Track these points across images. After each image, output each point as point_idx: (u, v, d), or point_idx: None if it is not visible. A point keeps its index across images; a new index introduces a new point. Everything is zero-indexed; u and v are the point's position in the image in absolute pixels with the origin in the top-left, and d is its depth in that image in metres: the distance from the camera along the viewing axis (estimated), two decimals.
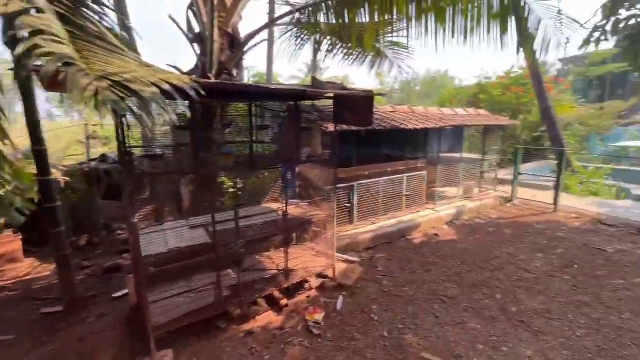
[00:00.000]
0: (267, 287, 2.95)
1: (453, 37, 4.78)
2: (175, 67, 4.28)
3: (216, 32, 3.90)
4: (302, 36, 6.53)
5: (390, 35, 7.21)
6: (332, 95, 3.09)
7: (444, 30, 4.75)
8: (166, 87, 1.74)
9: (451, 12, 4.62)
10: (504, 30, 4.41)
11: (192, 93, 1.81)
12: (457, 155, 6.50)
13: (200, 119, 3.49)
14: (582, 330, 2.66)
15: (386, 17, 5.20)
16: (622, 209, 5.83)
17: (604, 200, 6.41)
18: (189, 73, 4.30)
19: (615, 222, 5.14)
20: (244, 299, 2.80)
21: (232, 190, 4.37)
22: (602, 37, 4.96)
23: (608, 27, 4.80)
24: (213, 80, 3.61)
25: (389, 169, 5.03)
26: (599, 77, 15.88)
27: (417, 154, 5.71)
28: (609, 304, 3.04)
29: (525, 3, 4.36)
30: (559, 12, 4.26)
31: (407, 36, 5.06)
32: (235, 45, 4.31)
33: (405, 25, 4.98)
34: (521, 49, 4.75)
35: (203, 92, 1.86)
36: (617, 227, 5.02)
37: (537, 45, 4.68)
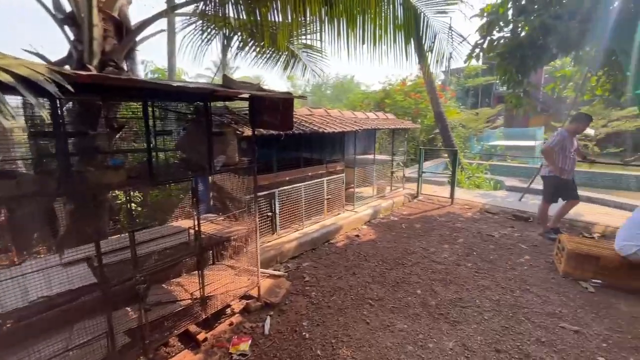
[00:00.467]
0: (180, 323, 2.48)
1: (364, 43, 4.92)
2: (37, 54, 3.33)
3: (96, 13, 3.15)
4: (209, 30, 5.95)
5: (304, 37, 7.14)
6: (247, 96, 2.79)
7: (355, 35, 4.86)
8: (5, 77, 1.22)
9: (361, 19, 4.74)
10: (407, 41, 4.73)
11: (52, 88, 1.31)
12: (371, 156, 6.83)
13: (77, 121, 2.75)
14: (488, 313, 2.97)
15: (300, 19, 5.07)
16: (499, 198, 6.98)
17: (486, 192, 7.61)
18: (60, 63, 3.40)
19: (497, 210, 6.09)
20: (149, 342, 2.28)
21: (128, 208, 3.61)
22: (481, 53, 5.84)
23: (485, 45, 5.66)
24: (94, 72, 2.89)
25: (310, 173, 4.94)
26: (473, 88, 19.09)
27: (335, 157, 5.77)
28: (503, 285, 3.50)
29: (424, 17, 4.77)
30: (450, 28, 4.80)
31: (321, 39, 5.04)
32: (124, 32, 3.59)
33: (318, 28, 4.96)
34: (422, 59, 5.21)
35: (70, 88, 1.37)
36: (498, 215, 5.96)
37: (433, 56, 5.18)
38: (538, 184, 6.91)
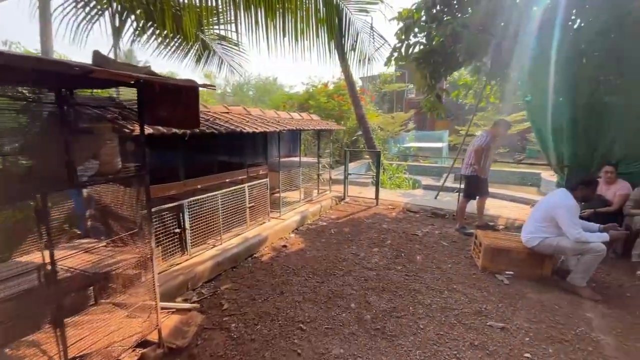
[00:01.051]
0: None
1: (284, 36, 4.53)
2: None
3: None
4: (95, 7, 4.87)
5: (217, 27, 6.42)
6: (137, 84, 2.11)
7: (275, 27, 4.44)
8: None
9: (281, 9, 4.34)
10: (330, 36, 4.50)
11: None
12: (296, 159, 6.49)
13: None
14: (423, 321, 2.85)
15: (209, 2, 4.44)
16: (418, 197, 7.35)
17: (407, 191, 7.98)
18: None
19: (417, 209, 6.34)
20: None
21: None
22: (399, 58, 6.01)
23: (402, 50, 5.83)
24: None
25: (228, 180, 4.32)
26: (389, 93, 20.47)
27: (258, 160, 5.24)
28: (432, 286, 3.48)
29: (346, 14, 4.61)
30: (372, 28, 4.74)
31: (237, 30, 4.49)
32: None
33: (233, 16, 4.40)
34: (345, 58, 5.05)
35: None
36: (419, 213, 6.20)
37: (356, 56, 5.07)
38: (449, 183, 7.50)
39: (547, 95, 5.08)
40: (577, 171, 5.01)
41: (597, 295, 3.27)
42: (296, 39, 4.45)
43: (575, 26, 4.65)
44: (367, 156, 13.53)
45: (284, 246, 4.53)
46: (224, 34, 6.36)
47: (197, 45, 6.47)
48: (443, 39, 5.13)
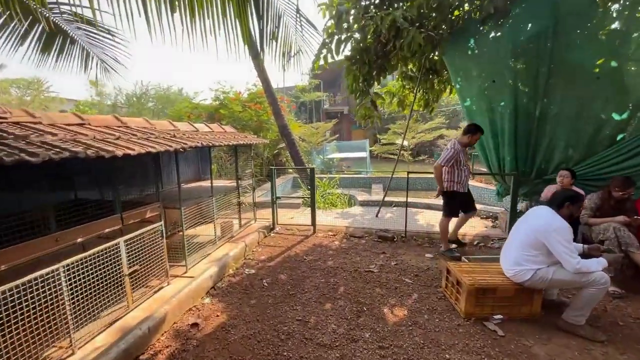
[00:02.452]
0: None
1: (174, 11, 3.09)
2: None
3: None
4: None
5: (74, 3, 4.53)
6: None
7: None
8: None
9: None
10: (240, 13, 3.21)
11: None
12: (207, 183, 4.93)
13: None
14: None
15: None
16: (358, 216, 6.49)
17: (344, 210, 7.06)
18: None
19: (361, 233, 5.42)
20: None
21: None
22: (329, 55, 5.06)
23: (333, 47, 4.89)
24: None
25: (82, 238, 2.59)
26: (309, 102, 19.89)
27: (144, 195, 3.56)
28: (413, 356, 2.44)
29: None
30: (298, 11, 3.63)
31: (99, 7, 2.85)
32: None
33: None
34: (262, 50, 3.81)
35: None
36: (364, 238, 5.28)
37: (278, 47, 3.89)
38: (377, 196, 6.86)
39: (487, 99, 4.73)
40: (521, 178, 4.75)
41: (602, 335, 2.69)
42: (192, 16, 3.02)
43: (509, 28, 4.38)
44: (291, 170, 12.44)
45: (194, 325, 2.97)
46: (84, 15, 4.48)
47: (38, 27, 4.41)
48: (380, 33, 4.35)
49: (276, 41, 3.83)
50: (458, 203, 4.39)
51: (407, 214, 5.22)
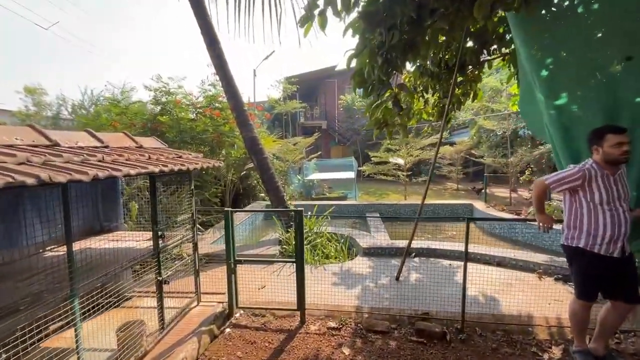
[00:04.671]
0: None
1: None
2: None
3: None
4: None
5: None
6: None
7: None
8: None
9: None
10: None
11: None
12: (113, 234, 2.45)
13: None
14: None
15: None
16: (368, 278, 4.19)
17: (344, 268, 4.62)
18: None
19: (383, 323, 3.11)
20: None
21: None
22: (331, 9, 2.87)
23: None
24: None
25: None
26: (284, 114, 17.63)
27: None
28: None
29: None
30: None
31: None
32: None
33: None
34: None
35: None
36: (391, 334, 2.97)
37: None
38: (388, 233, 4.64)
39: (608, 89, 2.69)
40: None
41: None
42: None
43: None
44: (263, 194, 10.01)
45: None
46: None
47: None
48: None
49: None
50: (595, 277, 2.25)
51: (465, 286, 3.01)
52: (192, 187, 3.38)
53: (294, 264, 3.23)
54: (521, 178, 9.75)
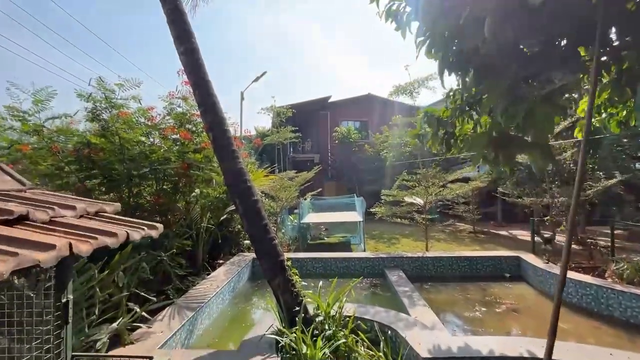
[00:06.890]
0: None
1: None
2: None
3: None
4: None
5: None
6: None
7: None
8: None
9: None
10: None
11: None
12: None
13: None
14: None
15: None
16: None
17: None
18: None
19: None
20: None
21: None
22: None
23: None
24: None
25: None
26: (269, 148, 15.81)
27: None
28: None
29: None
30: None
31: None
32: None
33: None
34: None
35: None
36: None
37: None
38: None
39: None
40: None
41: None
42: None
43: None
44: (248, 242, 7.84)
45: None
46: None
47: None
48: None
49: None
50: None
51: None
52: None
53: None
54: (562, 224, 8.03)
